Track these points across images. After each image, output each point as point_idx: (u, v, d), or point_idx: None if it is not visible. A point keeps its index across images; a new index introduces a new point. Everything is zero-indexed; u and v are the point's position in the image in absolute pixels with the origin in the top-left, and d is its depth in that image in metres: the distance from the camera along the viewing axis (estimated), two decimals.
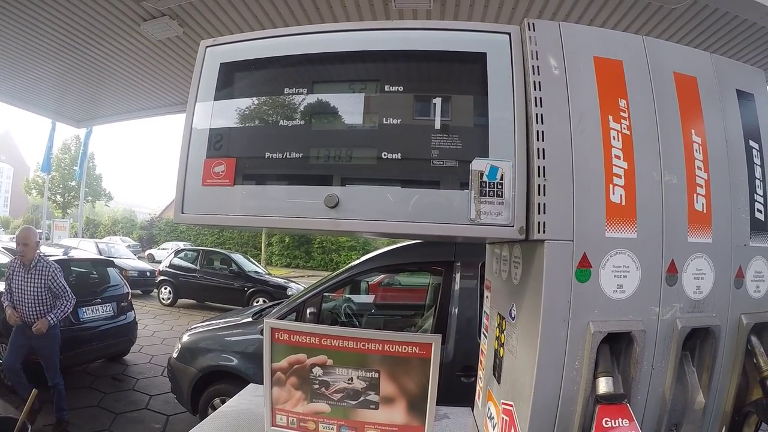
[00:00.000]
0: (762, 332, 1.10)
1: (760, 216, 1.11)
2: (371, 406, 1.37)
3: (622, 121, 1.00)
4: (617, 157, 0.98)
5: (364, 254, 4.21)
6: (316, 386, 1.40)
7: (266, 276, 12.02)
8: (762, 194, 1.12)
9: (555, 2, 4.42)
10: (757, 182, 1.12)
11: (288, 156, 1.06)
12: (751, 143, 1.13)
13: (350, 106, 1.06)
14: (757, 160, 1.13)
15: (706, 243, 1.04)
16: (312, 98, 1.09)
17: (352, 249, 24.85)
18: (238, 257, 12.40)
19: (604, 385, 0.92)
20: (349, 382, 1.37)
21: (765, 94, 1.18)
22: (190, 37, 5.59)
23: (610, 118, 0.99)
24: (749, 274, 1.10)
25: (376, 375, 1.35)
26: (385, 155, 1.01)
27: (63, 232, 20.01)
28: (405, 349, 1.32)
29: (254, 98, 1.12)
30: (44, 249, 6.15)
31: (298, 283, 12.22)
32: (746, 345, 1.08)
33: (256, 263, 13.27)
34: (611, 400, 0.90)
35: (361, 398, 1.37)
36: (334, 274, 3.75)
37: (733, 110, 1.12)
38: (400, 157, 1.01)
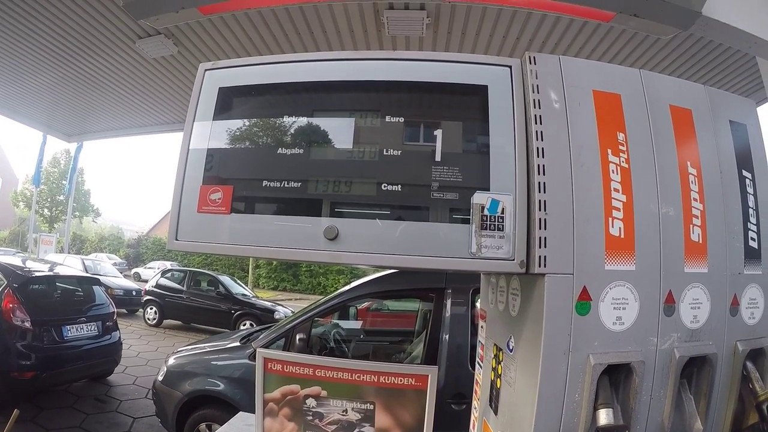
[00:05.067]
0: (757, 358, 1.10)
1: (754, 244, 1.13)
2: None
3: (621, 154, 1.01)
4: (616, 190, 0.98)
5: (351, 278, 4.20)
6: (310, 417, 1.36)
7: (253, 299, 11.88)
8: (755, 223, 1.14)
9: (544, 33, 4.44)
10: (751, 211, 1.14)
11: (286, 185, 1.04)
12: (744, 173, 1.15)
13: (350, 136, 1.05)
14: (750, 190, 1.15)
15: (703, 273, 1.05)
16: (311, 127, 1.08)
17: (340, 273, 24.51)
18: (225, 279, 12.24)
19: (604, 417, 0.92)
20: (344, 413, 1.34)
21: (756, 125, 1.21)
22: (184, 56, 5.60)
23: (609, 151, 1.00)
24: (744, 302, 1.10)
25: (371, 407, 1.32)
26: (385, 187, 1.00)
27: (49, 246, 19.70)
28: (401, 380, 1.29)
29: (252, 125, 1.11)
30: (30, 264, 6.03)
31: (286, 306, 12.09)
32: (742, 371, 1.08)
33: (243, 285, 13.13)
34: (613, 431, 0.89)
35: (356, 430, 1.33)
36: (324, 299, 3.72)
37: (727, 141, 1.14)
38: (400, 189, 1.00)
